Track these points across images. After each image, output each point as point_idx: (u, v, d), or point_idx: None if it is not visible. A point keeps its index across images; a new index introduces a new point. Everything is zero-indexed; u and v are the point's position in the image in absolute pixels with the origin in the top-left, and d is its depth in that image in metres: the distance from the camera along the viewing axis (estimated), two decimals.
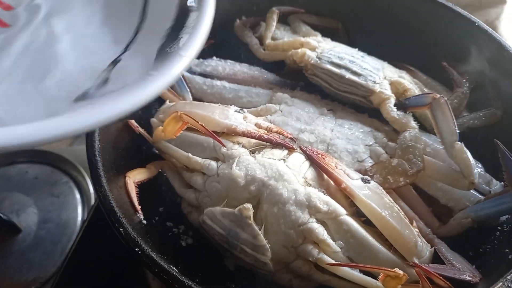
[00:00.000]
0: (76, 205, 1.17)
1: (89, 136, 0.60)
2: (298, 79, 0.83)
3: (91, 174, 0.57)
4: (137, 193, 0.65)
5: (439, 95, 0.68)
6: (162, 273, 0.50)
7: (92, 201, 1.17)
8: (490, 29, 0.77)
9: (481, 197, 0.67)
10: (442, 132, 0.67)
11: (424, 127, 0.76)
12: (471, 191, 0.67)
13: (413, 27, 0.87)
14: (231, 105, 0.78)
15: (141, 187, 0.68)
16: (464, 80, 0.78)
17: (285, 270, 0.63)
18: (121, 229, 0.52)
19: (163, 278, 0.50)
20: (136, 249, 0.51)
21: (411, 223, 0.62)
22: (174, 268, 0.53)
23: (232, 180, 0.63)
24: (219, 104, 0.73)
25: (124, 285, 0.87)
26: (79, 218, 1.15)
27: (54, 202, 1.16)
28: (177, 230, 0.69)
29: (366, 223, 0.62)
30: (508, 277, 0.51)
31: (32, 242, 1.09)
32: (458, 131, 0.66)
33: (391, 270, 0.52)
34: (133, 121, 0.71)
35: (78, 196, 1.19)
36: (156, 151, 0.74)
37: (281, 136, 0.69)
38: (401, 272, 0.52)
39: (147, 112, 0.80)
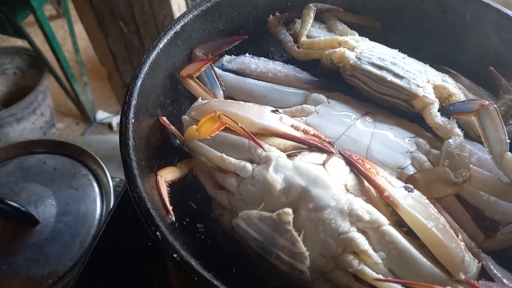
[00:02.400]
0: (95, 198, 1.15)
1: (122, 133, 0.58)
2: (332, 80, 0.80)
3: (126, 174, 0.54)
4: (168, 193, 0.63)
5: (487, 102, 0.65)
6: (202, 281, 0.47)
7: (111, 194, 1.16)
8: None
9: None
10: (490, 141, 0.64)
11: (467, 135, 0.73)
12: None
13: (456, 28, 0.83)
14: (263, 104, 0.76)
15: (173, 186, 0.65)
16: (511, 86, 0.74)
17: (322, 279, 0.60)
18: (157, 233, 0.50)
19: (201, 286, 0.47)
20: (174, 255, 0.48)
21: (457, 236, 0.59)
22: (211, 275, 0.51)
23: (268, 184, 0.60)
24: (253, 103, 0.71)
25: (146, 282, 0.85)
26: (98, 211, 1.13)
27: (73, 194, 1.14)
28: (207, 233, 0.67)
29: (409, 234, 0.59)
30: None
31: (50, 234, 1.07)
32: (508, 140, 0.63)
33: (433, 286, 0.49)
34: (165, 118, 0.69)
35: (97, 189, 1.17)
36: (186, 150, 0.71)
37: (318, 139, 0.66)
38: None
39: (178, 109, 0.77)
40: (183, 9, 1.80)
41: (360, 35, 0.84)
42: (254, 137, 0.61)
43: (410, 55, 0.80)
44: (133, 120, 0.60)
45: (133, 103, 0.61)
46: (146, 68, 0.66)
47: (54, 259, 1.04)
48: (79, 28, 2.19)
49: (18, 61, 2.54)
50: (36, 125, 2.56)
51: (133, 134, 0.59)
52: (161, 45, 0.69)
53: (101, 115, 2.70)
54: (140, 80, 0.64)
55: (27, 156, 1.20)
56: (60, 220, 1.09)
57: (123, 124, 0.59)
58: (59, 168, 1.18)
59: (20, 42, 2.62)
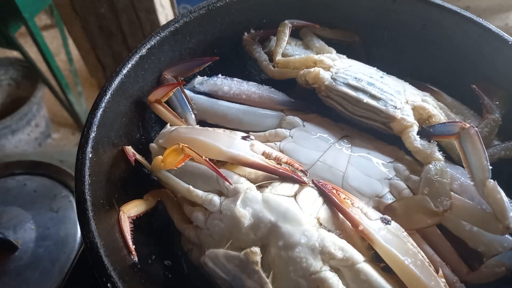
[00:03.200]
0: (76, 221, 1.12)
1: (78, 170, 0.54)
2: (310, 100, 0.76)
3: (78, 216, 0.51)
4: (131, 230, 0.60)
5: (468, 125, 0.61)
6: None
7: None
8: None
9: None
10: (472, 167, 0.60)
11: (449, 157, 0.69)
12: (506, 236, 0.60)
13: (438, 43, 0.79)
14: (237, 127, 0.73)
15: (137, 220, 0.62)
16: (495, 105, 0.70)
17: None
18: (109, 285, 0.46)
19: None
20: None
21: (437, 272, 0.55)
22: None
23: (236, 220, 0.57)
24: (224, 128, 0.67)
25: None
26: (78, 234, 1.10)
27: (53, 217, 1.11)
28: (176, 270, 0.63)
29: (386, 269, 0.55)
30: None
31: (29, 260, 1.04)
32: (490, 167, 0.59)
33: None
34: (129, 148, 0.65)
35: None
36: (156, 178, 0.68)
37: (291, 167, 0.63)
38: None
39: (146, 136, 0.74)
40: (171, 19, 1.77)
41: (339, 50, 0.81)
42: (218, 170, 0.58)
43: (391, 70, 0.77)
44: (90, 155, 0.57)
45: (91, 136, 0.58)
46: (107, 96, 0.63)
47: (34, 286, 1.01)
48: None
49: (12, 72, 2.52)
50: (31, 136, 2.54)
51: (90, 170, 0.56)
52: (124, 71, 0.66)
53: None
54: (101, 110, 0.61)
55: (7, 178, 1.17)
56: (40, 245, 1.06)
57: (79, 160, 0.56)
58: (40, 190, 1.15)
59: (14, 53, 2.61)
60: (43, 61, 2.06)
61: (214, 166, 0.58)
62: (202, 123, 0.75)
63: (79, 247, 1.07)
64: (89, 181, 0.54)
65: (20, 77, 2.53)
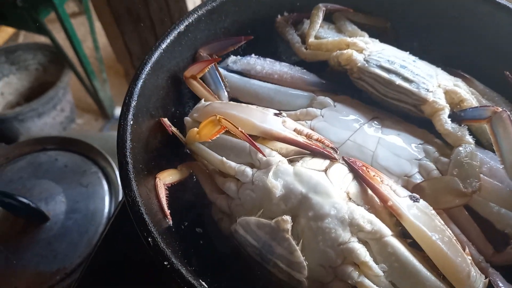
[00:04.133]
0: (104, 196, 1.16)
1: (120, 135, 0.57)
2: (341, 82, 0.77)
3: (121, 177, 0.54)
4: (166, 196, 0.62)
5: (500, 109, 0.61)
6: None
7: (120, 193, 1.16)
8: None
9: None
10: (502, 150, 0.61)
11: (479, 142, 0.69)
12: None
13: (471, 30, 0.79)
14: (268, 106, 0.74)
15: (172, 188, 0.65)
16: None
17: None
18: (149, 239, 0.49)
19: None
20: (165, 263, 0.47)
21: (464, 250, 0.56)
22: (203, 283, 0.50)
23: (267, 190, 0.58)
24: (257, 105, 0.69)
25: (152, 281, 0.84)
26: (106, 209, 1.14)
27: (82, 192, 1.16)
28: (207, 238, 0.66)
29: (413, 245, 0.56)
30: None
31: (59, 231, 1.09)
32: None
33: None
34: (166, 120, 0.68)
35: (106, 187, 1.18)
36: (188, 152, 0.70)
37: (322, 144, 0.64)
38: None
39: (181, 110, 0.77)
40: None
41: (371, 36, 0.82)
42: (254, 141, 0.60)
43: (422, 58, 0.77)
44: (131, 122, 0.59)
45: (132, 105, 0.61)
46: (147, 68, 0.65)
47: (62, 256, 1.06)
48: (100, 25, 2.21)
49: (40, 57, 2.59)
50: (57, 120, 2.60)
51: (131, 136, 0.58)
52: (163, 46, 0.69)
53: (119, 111, 2.72)
54: (141, 81, 0.64)
55: (39, 153, 1.22)
56: (70, 218, 1.11)
57: (121, 126, 0.58)
58: (70, 165, 1.20)
59: (43, 39, 2.68)
60: (71, 47, 2.11)
61: (250, 138, 0.60)
62: (234, 101, 0.77)
63: (107, 221, 1.11)
64: (130, 145, 0.57)
65: (48, 62, 2.59)
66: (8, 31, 2.99)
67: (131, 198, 0.52)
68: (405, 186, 0.64)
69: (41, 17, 1.94)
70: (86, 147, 1.22)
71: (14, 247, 1.05)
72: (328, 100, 0.74)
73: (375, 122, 0.71)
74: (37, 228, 1.08)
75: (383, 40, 0.81)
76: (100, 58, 2.47)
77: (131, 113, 0.60)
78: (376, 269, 0.55)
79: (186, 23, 0.72)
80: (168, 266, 0.47)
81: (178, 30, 0.71)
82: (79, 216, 1.11)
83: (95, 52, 2.43)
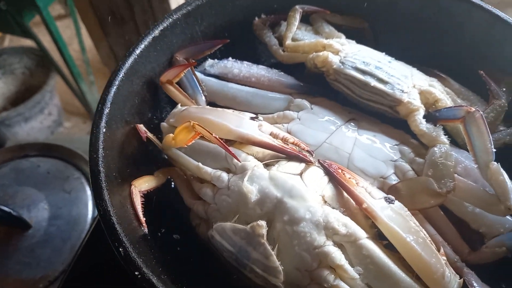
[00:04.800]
0: (87, 202, 1.15)
1: (92, 143, 0.57)
2: (318, 84, 0.77)
3: (92, 186, 0.53)
4: (142, 203, 0.62)
5: (474, 108, 0.62)
6: None
7: None
8: None
9: None
10: (476, 150, 0.61)
11: (455, 142, 0.70)
12: (507, 217, 0.61)
13: (446, 29, 0.80)
14: (246, 109, 0.74)
15: (149, 195, 0.64)
16: (502, 91, 0.71)
17: None
18: (120, 249, 0.48)
19: None
20: (136, 273, 0.47)
21: (439, 250, 0.56)
22: None
23: (243, 195, 0.58)
24: (233, 110, 0.69)
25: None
26: (90, 215, 1.14)
27: (65, 198, 1.15)
28: (185, 244, 0.65)
29: (388, 247, 0.57)
30: None
31: (41, 238, 1.08)
32: (494, 149, 0.60)
33: None
34: (141, 126, 0.67)
35: (89, 192, 1.17)
36: (166, 157, 0.70)
37: (298, 148, 0.64)
38: None
39: (158, 115, 0.76)
40: None
41: (349, 37, 0.82)
42: (227, 147, 0.60)
43: (400, 57, 0.77)
44: (104, 130, 0.59)
45: (105, 112, 0.60)
46: (121, 75, 0.65)
47: (45, 263, 1.05)
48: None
49: (26, 61, 2.56)
50: (44, 124, 2.58)
51: (104, 144, 0.58)
52: (138, 51, 0.68)
53: None
54: (114, 87, 0.63)
55: (21, 160, 1.21)
56: (52, 224, 1.10)
57: (93, 134, 0.58)
58: (53, 171, 1.19)
59: (28, 42, 2.65)
60: (57, 50, 2.09)
61: (224, 144, 0.59)
62: (211, 105, 0.77)
63: (89, 227, 1.11)
64: (103, 153, 0.57)
65: (34, 66, 2.56)
66: None
67: (102, 208, 0.51)
68: (381, 187, 0.65)
69: (26, 21, 1.92)
70: (69, 152, 1.21)
71: None
72: (305, 102, 0.74)
73: (352, 123, 0.71)
74: (20, 236, 1.07)
75: (360, 41, 0.81)
76: (87, 61, 2.45)
77: (103, 120, 0.59)
78: (352, 272, 0.55)
79: (161, 27, 0.72)
80: (139, 276, 0.47)
81: (153, 35, 0.71)
82: (62, 222, 1.10)
83: (81, 54, 2.41)
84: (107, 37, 1.99)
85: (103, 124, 0.59)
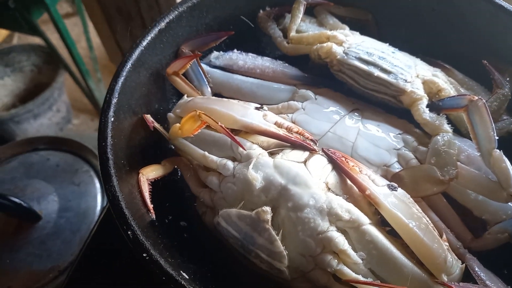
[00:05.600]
0: (96, 195, 1.17)
1: (101, 131, 0.58)
2: (323, 75, 0.78)
3: (101, 172, 0.55)
4: (150, 191, 0.63)
5: (477, 97, 0.62)
6: (170, 281, 0.47)
7: None
8: None
9: None
10: (479, 138, 0.62)
11: (458, 131, 0.70)
12: (509, 203, 0.62)
13: (450, 20, 0.80)
14: (250, 101, 0.75)
15: (157, 184, 0.66)
16: (505, 80, 0.71)
17: (302, 279, 0.60)
18: (129, 232, 0.50)
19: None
20: (144, 255, 0.48)
21: (441, 236, 0.57)
22: (184, 274, 0.51)
23: (248, 182, 0.59)
24: (239, 100, 0.70)
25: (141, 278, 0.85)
26: (99, 207, 1.15)
27: (74, 190, 1.17)
28: (191, 231, 0.67)
29: (391, 233, 0.58)
30: None
31: (51, 230, 1.10)
32: (497, 137, 0.60)
33: None
34: (148, 116, 0.69)
35: (98, 185, 1.19)
36: (173, 147, 0.71)
37: (302, 137, 0.65)
38: None
39: (164, 106, 0.77)
40: None
41: (353, 28, 0.82)
42: (233, 136, 0.61)
43: (403, 48, 0.78)
44: (112, 119, 0.60)
45: (113, 102, 0.62)
46: (128, 66, 0.66)
47: (55, 255, 1.07)
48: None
49: (34, 58, 2.59)
50: (53, 121, 2.61)
51: (112, 132, 0.59)
52: (144, 43, 0.69)
53: None
54: (122, 78, 0.65)
55: (31, 153, 1.23)
56: (62, 216, 1.12)
57: (102, 122, 0.59)
58: (62, 165, 1.21)
59: (37, 40, 2.68)
60: (65, 47, 2.11)
61: (229, 132, 0.61)
62: (217, 96, 0.78)
63: (98, 219, 1.12)
64: (111, 142, 0.58)
65: (42, 63, 2.59)
66: (2, 33, 2.99)
67: (111, 193, 0.53)
68: (384, 175, 0.65)
69: (34, 18, 1.95)
70: (78, 146, 1.23)
71: (8, 246, 1.06)
72: (309, 93, 0.75)
73: (356, 113, 0.72)
74: (30, 228, 1.09)
75: (364, 32, 0.81)
76: (95, 58, 2.47)
77: (111, 110, 0.61)
78: (355, 256, 0.56)
79: (167, 20, 0.73)
80: (147, 258, 0.48)
81: (159, 28, 0.72)
82: (72, 214, 1.12)
83: (89, 52, 2.44)
84: (114, 33, 2.01)
85: (111, 113, 0.61)
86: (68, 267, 1.04)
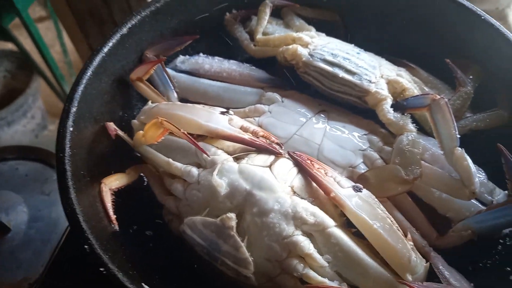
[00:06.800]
0: None
1: (59, 142, 0.57)
2: (290, 78, 0.78)
3: (59, 185, 0.53)
4: (113, 201, 0.62)
5: (439, 96, 0.63)
6: None
7: None
8: (498, 23, 0.71)
9: (483, 207, 0.62)
10: (441, 137, 0.62)
11: (424, 130, 0.71)
12: (472, 200, 0.62)
13: (415, 20, 0.81)
14: (218, 104, 0.74)
15: (121, 193, 0.64)
16: (469, 79, 0.72)
17: (269, 284, 0.59)
18: (86, 246, 0.48)
19: None
20: (101, 269, 0.47)
21: (406, 235, 0.57)
22: (146, 287, 0.50)
23: (212, 189, 0.59)
24: (204, 105, 0.69)
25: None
26: None
27: (44, 200, 1.14)
28: (157, 240, 0.65)
29: (357, 235, 0.58)
30: None
31: (21, 241, 1.07)
32: (458, 135, 0.61)
33: None
34: (111, 124, 0.67)
35: None
36: (139, 155, 0.70)
37: (267, 140, 0.65)
38: None
39: (130, 113, 0.76)
40: None
41: (321, 30, 0.82)
42: (196, 142, 0.60)
43: (372, 49, 0.78)
44: (71, 129, 0.59)
45: (72, 111, 0.60)
46: (88, 73, 0.65)
47: (26, 266, 1.04)
48: None
49: (7, 64, 2.53)
50: (28, 128, 2.55)
51: (71, 143, 0.58)
52: (105, 49, 0.68)
53: None
54: (82, 86, 0.63)
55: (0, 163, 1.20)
56: (32, 227, 1.09)
57: (60, 133, 0.58)
58: (31, 174, 1.18)
59: (9, 45, 2.61)
60: (38, 52, 2.07)
61: (192, 138, 0.60)
62: (184, 101, 0.77)
63: (68, 228, 1.10)
64: (70, 152, 0.57)
65: (15, 69, 2.53)
66: None
67: (69, 206, 0.52)
68: (350, 176, 0.65)
69: (5, 24, 1.90)
70: (47, 154, 1.20)
71: None
72: (276, 95, 0.75)
73: (322, 115, 0.72)
74: None
75: (332, 33, 0.81)
76: (69, 62, 2.43)
77: (71, 119, 0.59)
78: (321, 260, 0.56)
79: (129, 25, 0.71)
80: (104, 272, 0.47)
81: (121, 33, 0.70)
82: (42, 224, 1.09)
83: (63, 56, 2.39)
84: (87, 38, 1.97)
85: (70, 123, 0.59)
86: (39, 279, 1.02)
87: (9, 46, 2.55)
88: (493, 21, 0.70)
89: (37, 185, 1.15)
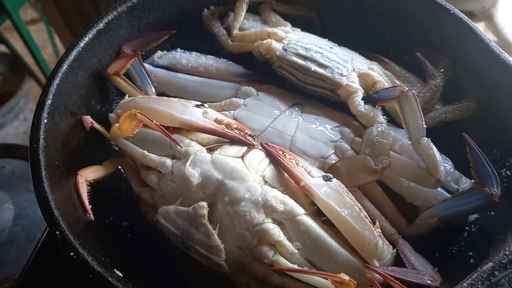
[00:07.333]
0: None
1: (33, 133, 0.58)
2: (266, 72, 0.79)
3: (32, 174, 0.54)
4: (89, 192, 0.63)
5: (407, 88, 0.64)
6: (96, 278, 0.47)
7: None
8: (466, 17, 0.72)
9: (449, 195, 0.64)
10: (409, 127, 0.64)
11: (395, 122, 0.72)
12: (439, 189, 0.64)
13: (389, 15, 0.82)
14: (195, 99, 0.75)
15: (98, 184, 0.65)
16: (439, 72, 0.74)
17: (241, 272, 0.60)
18: (57, 232, 0.49)
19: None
20: (71, 253, 0.48)
21: (374, 223, 0.59)
22: (118, 272, 0.51)
23: (185, 179, 0.60)
24: (180, 98, 0.70)
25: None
26: None
27: (30, 198, 1.15)
28: (134, 231, 0.67)
29: (327, 223, 0.59)
30: (464, 284, 0.47)
31: (6, 239, 1.08)
32: (425, 126, 0.63)
33: (337, 276, 0.49)
34: (87, 117, 0.68)
35: None
36: (116, 148, 0.71)
37: (240, 132, 0.66)
38: (346, 277, 0.49)
39: (108, 107, 0.77)
40: None
41: (298, 26, 0.84)
42: (169, 134, 0.61)
43: (348, 43, 0.80)
44: (46, 121, 0.60)
45: (47, 103, 0.61)
46: (64, 67, 0.66)
47: (10, 264, 1.05)
48: None
49: None
50: (20, 130, 2.54)
51: (45, 134, 0.59)
52: (81, 44, 0.69)
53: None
54: (57, 79, 0.64)
55: None
56: (17, 224, 1.10)
57: (34, 124, 0.59)
58: (17, 172, 1.19)
59: (1, 47, 2.61)
60: (30, 54, 2.07)
61: (164, 129, 0.61)
62: (162, 95, 0.78)
63: None
64: (44, 143, 0.58)
65: (7, 71, 2.53)
66: None
67: (41, 194, 0.53)
68: (322, 167, 0.67)
69: None
70: None
71: None
72: (251, 89, 0.76)
73: (296, 108, 0.74)
74: None
75: (309, 29, 0.83)
76: None
77: (45, 112, 0.60)
78: (290, 247, 0.57)
79: (105, 20, 0.73)
80: (74, 257, 0.48)
81: (98, 28, 0.72)
82: (27, 222, 1.10)
83: (55, 57, 2.39)
84: (75, 37, 1.98)
85: (44, 115, 0.60)
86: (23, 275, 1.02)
87: (1, 48, 2.55)
88: (461, 15, 0.72)
89: (23, 183, 1.16)
